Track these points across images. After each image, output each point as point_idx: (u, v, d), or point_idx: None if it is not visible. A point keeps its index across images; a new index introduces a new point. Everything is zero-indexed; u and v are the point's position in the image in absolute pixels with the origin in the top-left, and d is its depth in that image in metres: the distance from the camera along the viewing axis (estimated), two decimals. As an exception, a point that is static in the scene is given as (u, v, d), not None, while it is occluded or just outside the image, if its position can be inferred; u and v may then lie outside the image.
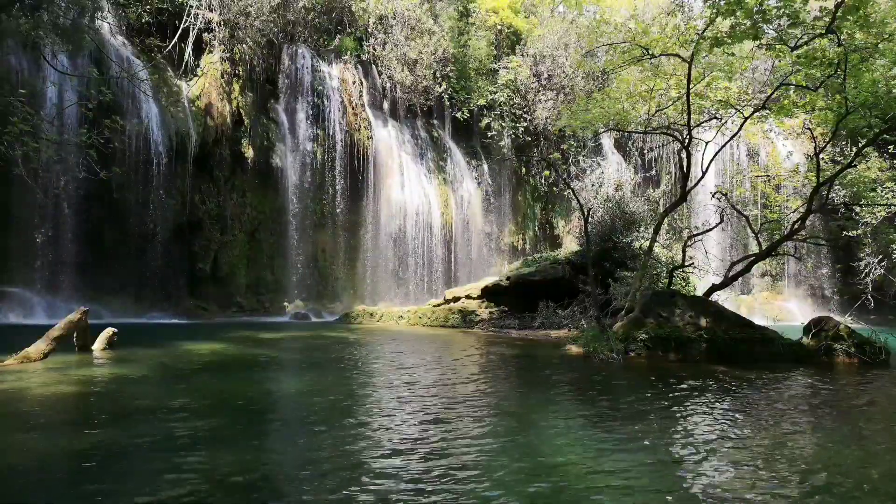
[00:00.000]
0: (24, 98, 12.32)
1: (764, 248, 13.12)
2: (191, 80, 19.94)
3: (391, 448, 4.38)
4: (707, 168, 12.81)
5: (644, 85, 13.44)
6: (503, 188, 27.08)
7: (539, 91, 25.94)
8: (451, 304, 18.17)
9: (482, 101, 25.94)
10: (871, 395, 7.43)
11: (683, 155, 12.90)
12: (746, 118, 12.55)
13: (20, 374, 7.01)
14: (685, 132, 12.47)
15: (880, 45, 10.29)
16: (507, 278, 17.94)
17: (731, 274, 12.63)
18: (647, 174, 26.45)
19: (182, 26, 19.57)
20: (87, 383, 6.81)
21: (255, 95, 21.45)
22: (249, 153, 20.69)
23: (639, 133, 20.16)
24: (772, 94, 12.01)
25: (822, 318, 10.80)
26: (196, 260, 19.39)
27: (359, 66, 23.99)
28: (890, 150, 17.98)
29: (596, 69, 23.72)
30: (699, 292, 13.80)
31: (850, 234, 18.67)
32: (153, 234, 18.08)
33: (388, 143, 23.85)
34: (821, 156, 12.39)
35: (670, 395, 6.85)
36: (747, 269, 13.63)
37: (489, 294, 17.93)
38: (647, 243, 13.49)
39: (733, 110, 13.11)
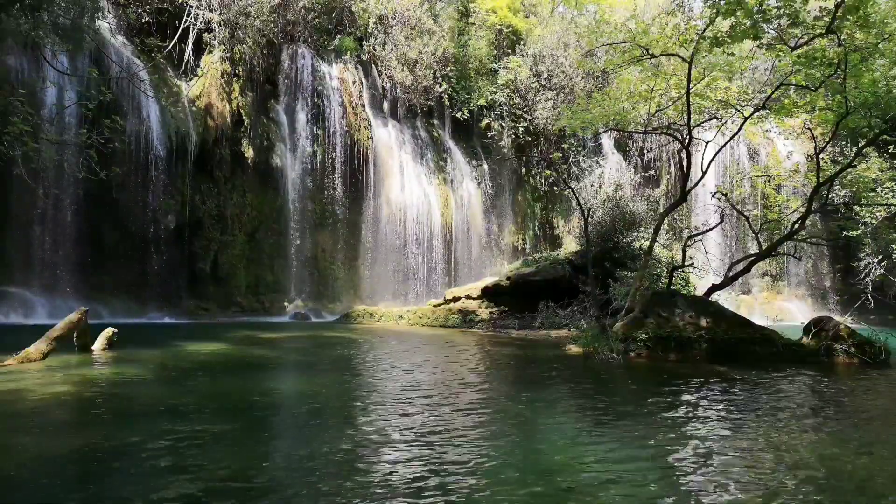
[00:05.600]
0: (24, 98, 12.32)
1: (764, 248, 13.12)
2: (191, 80, 19.93)
3: (391, 448, 4.37)
4: (707, 168, 12.80)
5: (644, 85, 13.43)
6: (503, 188, 27.07)
7: (539, 91, 25.93)
8: (451, 304, 18.17)
9: (482, 101, 25.93)
10: (872, 395, 7.43)
11: (683, 155, 12.90)
12: (746, 118, 12.55)
13: (20, 374, 7.00)
14: (685, 132, 12.47)
15: (880, 45, 10.29)
16: (507, 278, 17.94)
17: (731, 274, 12.62)
18: (647, 174, 26.43)
19: (182, 26, 19.56)
20: (87, 383, 6.80)
21: (255, 95, 21.44)
22: (249, 153, 20.69)
23: (639, 133, 20.16)
24: (772, 94, 12.00)
25: (822, 318, 10.80)
26: (196, 260, 19.38)
27: (359, 67, 23.99)
28: (890, 150, 17.97)
29: (596, 69, 23.67)
30: (699, 292, 13.81)
31: (850, 234, 18.67)
32: (153, 234, 18.08)
33: (388, 143, 23.85)
34: (821, 156, 12.38)
35: (671, 395, 6.85)
36: (747, 269, 13.63)
37: (489, 294, 17.93)
38: (647, 243, 13.49)
39: (733, 110, 13.11)
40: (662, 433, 4.98)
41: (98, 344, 9.22)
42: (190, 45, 19.90)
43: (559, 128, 24.28)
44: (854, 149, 13.10)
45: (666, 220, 15.51)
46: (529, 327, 15.66)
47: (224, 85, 20.29)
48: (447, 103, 25.87)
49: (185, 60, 19.93)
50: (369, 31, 24.22)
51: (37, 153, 12.70)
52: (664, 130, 14.54)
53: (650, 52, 12.00)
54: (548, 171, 25.76)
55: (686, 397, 6.70)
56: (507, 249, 26.77)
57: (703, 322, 10.25)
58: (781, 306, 25.89)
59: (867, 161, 16.58)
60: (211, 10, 20.05)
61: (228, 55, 20.47)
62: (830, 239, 20.89)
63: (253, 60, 21.10)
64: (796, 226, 12.49)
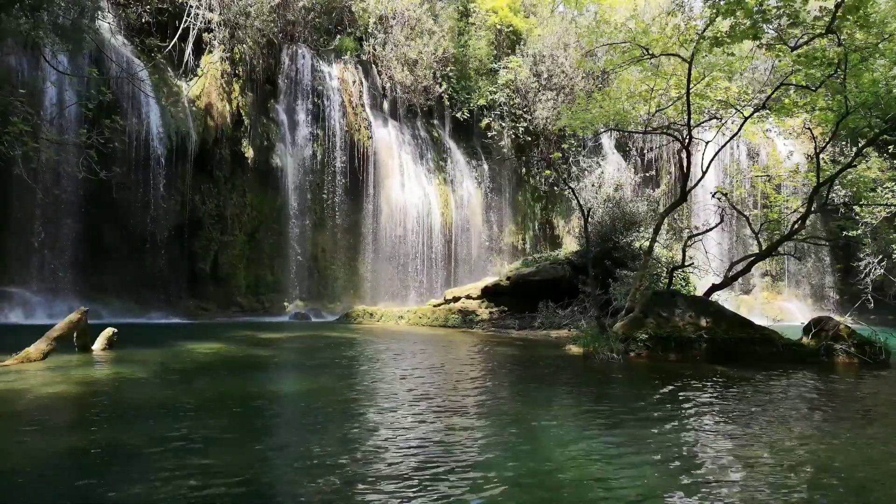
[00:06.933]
0: (24, 98, 12.32)
1: (764, 248, 13.12)
2: (191, 80, 19.93)
3: (391, 449, 4.37)
4: (707, 168, 12.81)
5: (644, 85, 13.43)
6: (503, 188, 27.07)
7: (539, 91, 25.93)
8: (451, 304, 18.17)
9: (482, 101, 25.93)
10: (871, 395, 7.43)
11: (683, 155, 12.90)
12: (746, 118, 12.55)
13: (20, 374, 7.01)
14: (685, 132, 12.47)
15: (880, 45, 10.29)
16: (507, 278, 17.94)
17: (731, 274, 12.63)
18: (647, 174, 26.44)
19: (182, 26, 19.55)
20: (87, 383, 6.80)
21: (255, 95, 21.44)
22: (249, 153, 20.68)
23: (639, 133, 20.16)
24: (772, 94, 12.00)
25: (822, 318, 10.80)
26: (196, 260, 19.38)
27: (359, 66, 23.99)
28: (890, 150, 17.98)
29: (596, 69, 23.70)
30: (699, 292, 13.81)
31: (850, 234, 18.67)
32: (153, 234, 18.08)
33: (388, 143, 23.85)
34: (821, 156, 12.38)
35: (671, 395, 6.85)
36: (747, 269, 13.63)
37: (489, 294, 17.93)
38: (647, 243, 13.49)
39: (733, 110, 13.10)
40: (662, 433, 4.98)
41: (98, 344, 9.23)
42: (190, 45, 19.89)
43: (559, 128, 24.29)
44: (854, 149, 13.10)
45: (666, 220, 15.50)
46: (529, 327, 15.66)
47: (224, 85, 20.29)
48: (447, 103, 25.87)
49: (185, 60, 19.92)
50: (369, 31, 24.22)
51: (37, 153, 12.69)
52: (664, 130, 14.54)
53: (650, 52, 11.99)
54: (548, 171, 25.75)
55: (686, 397, 6.70)
56: (507, 249, 26.76)
57: (703, 322, 10.25)
58: (781, 306, 25.90)
59: (867, 161, 16.57)
60: (211, 10, 20.05)
61: (228, 55, 20.47)
62: (830, 239, 20.89)
63: (253, 60, 21.09)
64: (796, 226, 12.49)
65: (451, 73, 25.33)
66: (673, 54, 12.13)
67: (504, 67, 26.30)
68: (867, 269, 20.52)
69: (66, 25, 13.34)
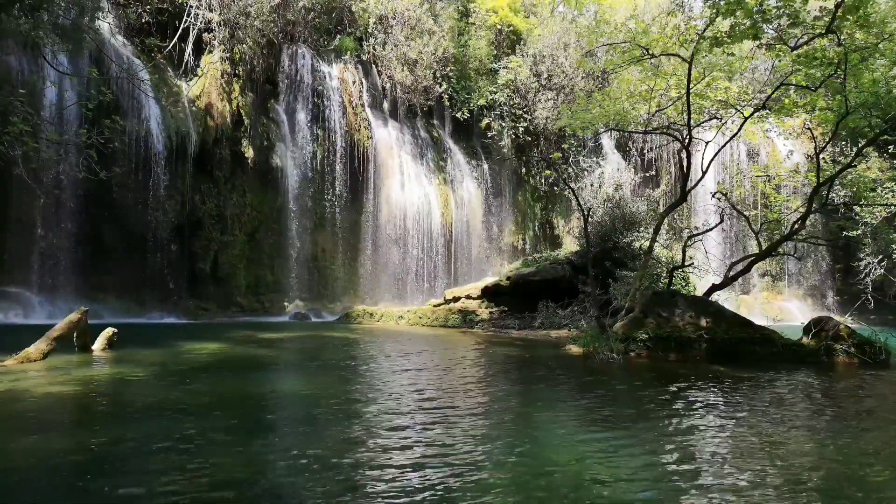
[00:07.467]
0: (24, 98, 12.32)
1: (764, 248, 13.13)
2: (191, 80, 19.93)
3: (391, 449, 4.37)
4: (707, 168, 12.81)
5: (644, 85, 13.43)
6: (503, 188, 27.08)
7: (539, 91, 25.93)
8: (451, 304, 18.17)
9: (482, 101, 25.93)
10: (871, 395, 7.43)
11: (683, 155, 12.90)
12: (746, 118, 12.55)
13: (20, 374, 7.00)
14: (685, 132, 12.47)
15: (880, 45, 10.29)
16: (507, 278, 17.94)
17: (731, 274, 12.63)
18: (647, 174, 26.44)
19: (182, 26, 19.56)
20: (87, 383, 6.80)
21: (255, 95, 21.44)
22: (249, 153, 20.68)
23: (639, 133, 20.16)
24: (772, 94, 12.01)
25: (822, 318, 10.80)
26: (196, 260, 19.38)
27: (359, 66, 23.99)
28: (890, 150, 17.98)
29: (596, 69, 23.70)
30: (699, 292, 13.81)
31: (850, 234, 18.67)
32: (153, 234, 18.08)
33: (388, 143, 23.85)
34: (821, 156, 12.38)
35: (671, 395, 6.85)
36: (747, 269, 13.63)
37: (489, 294, 17.92)
38: (647, 243, 13.50)
39: (733, 110, 13.11)
40: (662, 433, 4.98)
41: (98, 344, 9.22)
42: (190, 45, 19.89)
43: (559, 128, 24.29)
44: (854, 149, 13.10)
45: (666, 220, 15.51)
46: (529, 327, 15.65)
47: (224, 85, 20.29)
48: (447, 103, 25.87)
49: (185, 60, 19.93)
50: (369, 31, 24.22)
51: (37, 153, 12.69)
52: (664, 130, 14.54)
53: (650, 52, 11.99)
54: (548, 171, 25.74)
55: (686, 398, 6.70)
56: (507, 249, 26.77)
57: (703, 322, 10.25)
58: (781, 306, 25.90)
59: (867, 161, 16.58)
60: (211, 10, 20.05)
61: (228, 55, 20.47)
62: (830, 239, 20.90)
63: (253, 60, 21.09)
64: (796, 226, 12.49)
65: (451, 73, 25.33)
66: (673, 54, 12.13)
67: (504, 67, 26.31)
68: (867, 269, 20.52)
69: (66, 25, 13.35)
